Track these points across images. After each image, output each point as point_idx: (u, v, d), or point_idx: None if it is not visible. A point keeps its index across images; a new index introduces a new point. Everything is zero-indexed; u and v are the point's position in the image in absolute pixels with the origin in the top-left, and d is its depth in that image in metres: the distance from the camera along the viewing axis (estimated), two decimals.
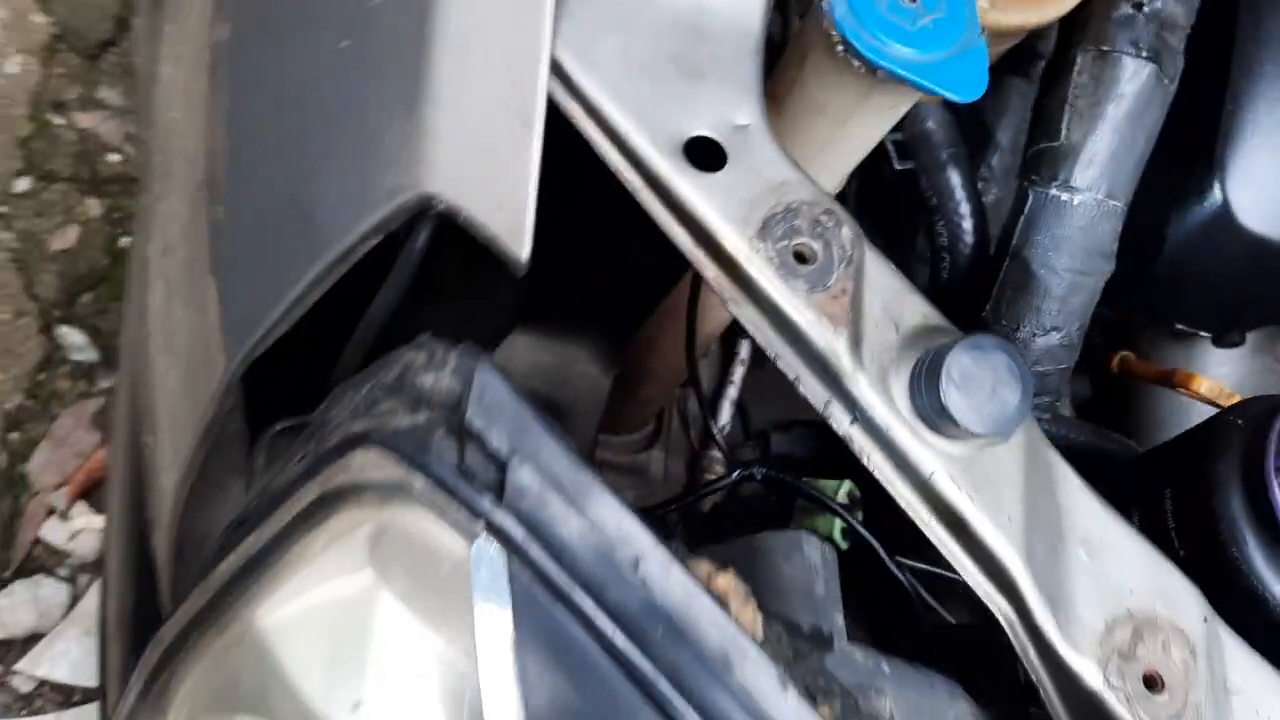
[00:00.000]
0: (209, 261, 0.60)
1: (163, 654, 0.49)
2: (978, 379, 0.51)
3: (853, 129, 0.63)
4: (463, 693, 0.44)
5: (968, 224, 0.75)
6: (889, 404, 0.52)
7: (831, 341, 0.52)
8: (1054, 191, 0.68)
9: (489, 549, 0.44)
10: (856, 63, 0.57)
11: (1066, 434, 0.83)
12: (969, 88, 0.58)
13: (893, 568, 0.77)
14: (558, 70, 0.54)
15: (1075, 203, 0.68)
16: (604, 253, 0.74)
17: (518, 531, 0.44)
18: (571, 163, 0.56)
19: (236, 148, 0.59)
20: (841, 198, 0.91)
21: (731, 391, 1.04)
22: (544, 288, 0.76)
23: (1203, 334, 0.93)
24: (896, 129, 0.77)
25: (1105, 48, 0.68)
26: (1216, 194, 0.79)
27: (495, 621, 0.44)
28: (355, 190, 0.51)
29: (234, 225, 0.59)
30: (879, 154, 0.78)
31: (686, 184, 0.53)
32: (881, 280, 0.54)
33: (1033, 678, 0.53)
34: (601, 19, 0.55)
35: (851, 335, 0.52)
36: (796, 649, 0.51)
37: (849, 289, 0.53)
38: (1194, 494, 0.71)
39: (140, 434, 0.74)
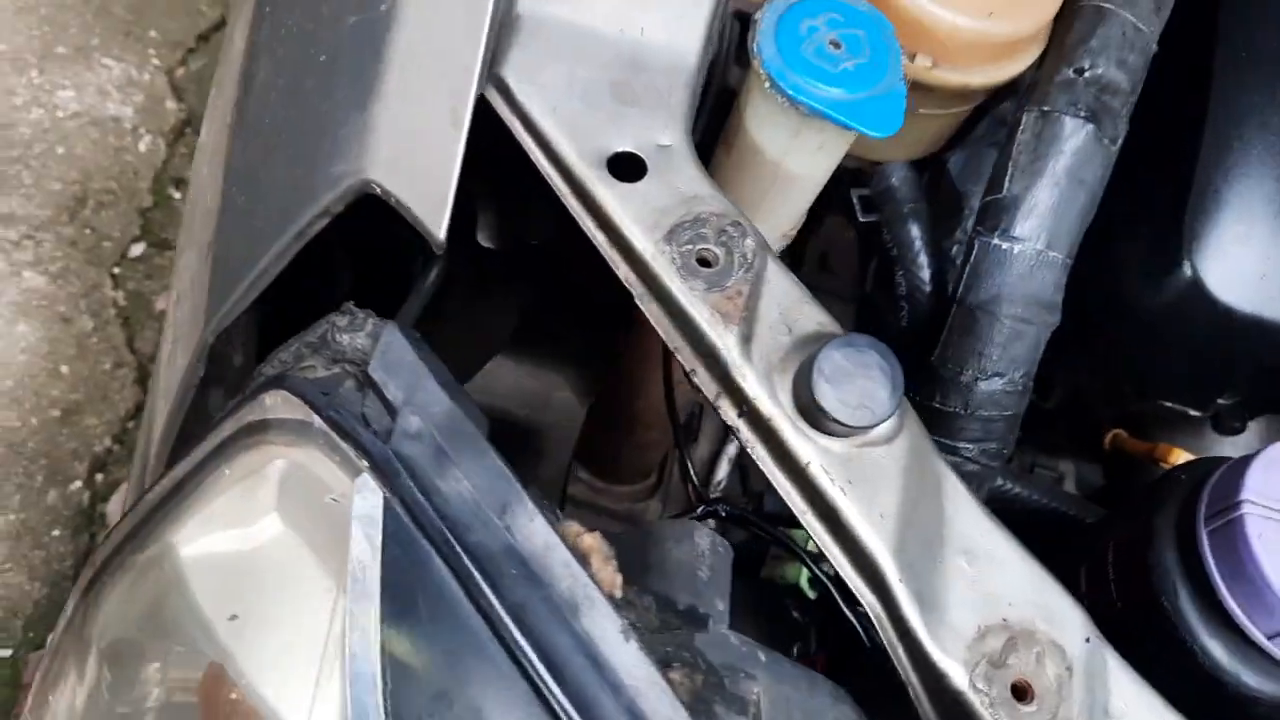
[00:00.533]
0: (205, 304, 0.67)
1: (93, 576, 0.55)
2: (849, 374, 0.54)
3: (791, 168, 0.68)
4: (331, 612, 0.49)
5: (925, 274, 0.78)
6: (773, 398, 0.56)
7: (722, 335, 0.56)
8: (996, 240, 0.71)
9: (369, 484, 0.49)
10: (781, 99, 0.62)
11: (1024, 491, 0.84)
12: (884, 125, 0.62)
13: (847, 612, 0.79)
14: (503, 89, 0.60)
15: (1015, 251, 0.71)
16: (572, 290, 0.80)
17: (398, 472, 0.49)
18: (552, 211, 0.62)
19: (232, 171, 0.68)
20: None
21: (730, 450, 1.07)
22: (528, 319, 0.83)
23: (1193, 412, 0.92)
24: (862, 184, 0.82)
25: (1046, 108, 0.71)
26: (1185, 265, 0.81)
27: (366, 551, 0.48)
28: (311, 179, 0.58)
29: (222, 240, 0.67)
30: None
31: (606, 191, 0.59)
32: (781, 288, 0.58)
33: (901, 676, 0.55)
34: (549, 49, 0.62)
35: (742, 333, 0.56)
36: (665, 620, 0.54)
37: (745, 291, 0.57)
38: (1133, 546, 0.72)
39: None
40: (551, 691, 0.46)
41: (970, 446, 0.75)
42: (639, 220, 0.58)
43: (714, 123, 0.74)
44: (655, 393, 0.92)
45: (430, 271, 0.83)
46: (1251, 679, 0.65)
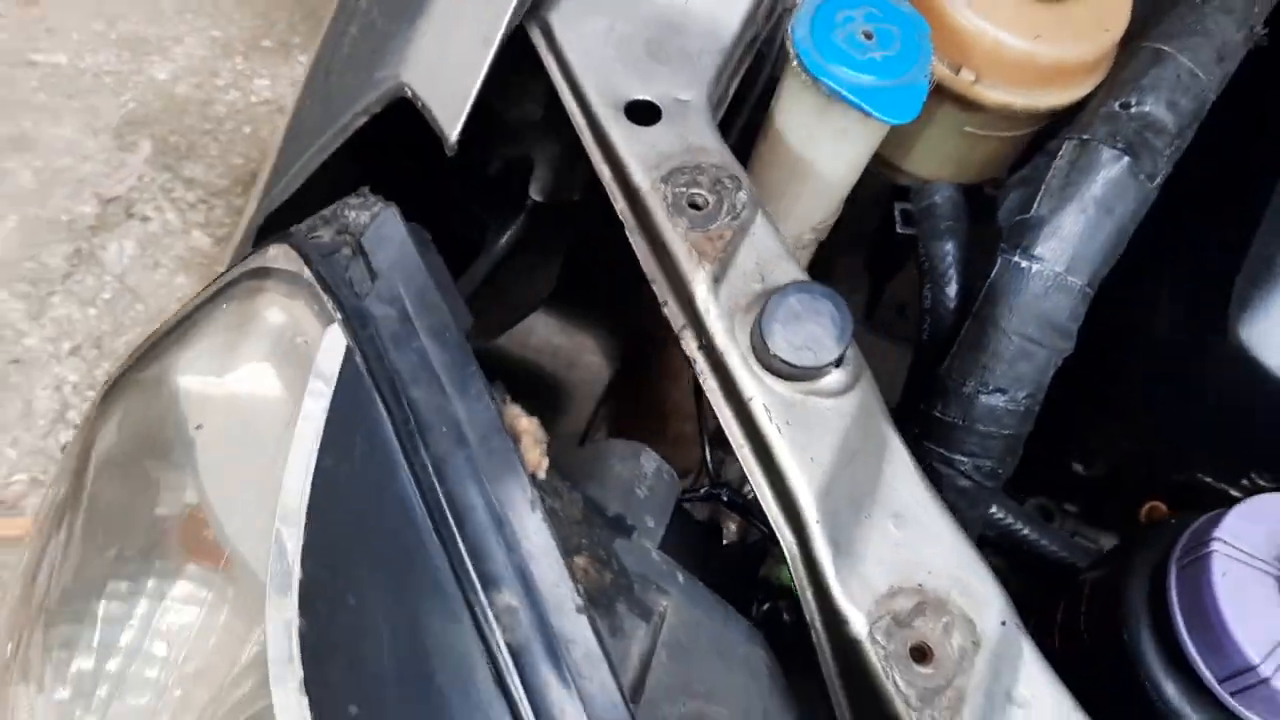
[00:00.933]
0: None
1: (103, 393, 0.62)
2: (800, 317, 0.56)
3: (817, 151, 0.71)
4: (281, 435, 0.54)
5: (951, 290, 0.79)
6: (730, 335, 0.59)
7: (694, 271, 0.59)
8: (1016, 258, 0.72)
9: (336, 333, 0.54)
10: (805, 77, 0.66)
11: (1020, 526, 0.83)
12: (898, 113, 0.65)
13: None
14: (546, 31, 0.66)
15: (1033, 270, 0.72)
16: (606, 262, 0.85)
17: (365, 326, 0.54)
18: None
19: (303, 96, 0.76)
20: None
21: None
22: (566, 279, 0.88)
23: (1234, 492, 0.89)
24: (905, 199, 0.84)
25: (1086, 137, 0.72)
26: (1230, 330, 0.79)
27: (320, 390, 0.54)
28: (361, 85, 0.65)
29: (282, 152, 0.74)
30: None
31: (619, 131, 0.63)
32: (765, 243, 0.61)
33: (806, 617, 0.56)
34: (595, 2, 0.67)
35: (715, 272, 0.60)
36: (588, 517, 0.57)
37: (727, 237, 0.61)
38: (1108, 581, 0.70)
39: None
40: (451, 534, 0.50)
41: (964, 460, 0.75)
42: (642, 159, 0.63)
43: (758, 117, 0.78)
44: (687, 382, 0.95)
45: (504, 232, 0.89)
46: None
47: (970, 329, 0.75)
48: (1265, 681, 0.59)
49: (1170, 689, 0.64)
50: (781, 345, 0.56)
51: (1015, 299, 0.72)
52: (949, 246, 0.80)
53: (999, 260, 0.74)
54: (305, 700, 0.49)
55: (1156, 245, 0.87)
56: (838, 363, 0.58)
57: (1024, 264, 0.72)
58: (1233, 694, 0.61)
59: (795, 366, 0.56)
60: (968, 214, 0.82)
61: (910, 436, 0.77)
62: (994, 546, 0.87)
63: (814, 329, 0.56)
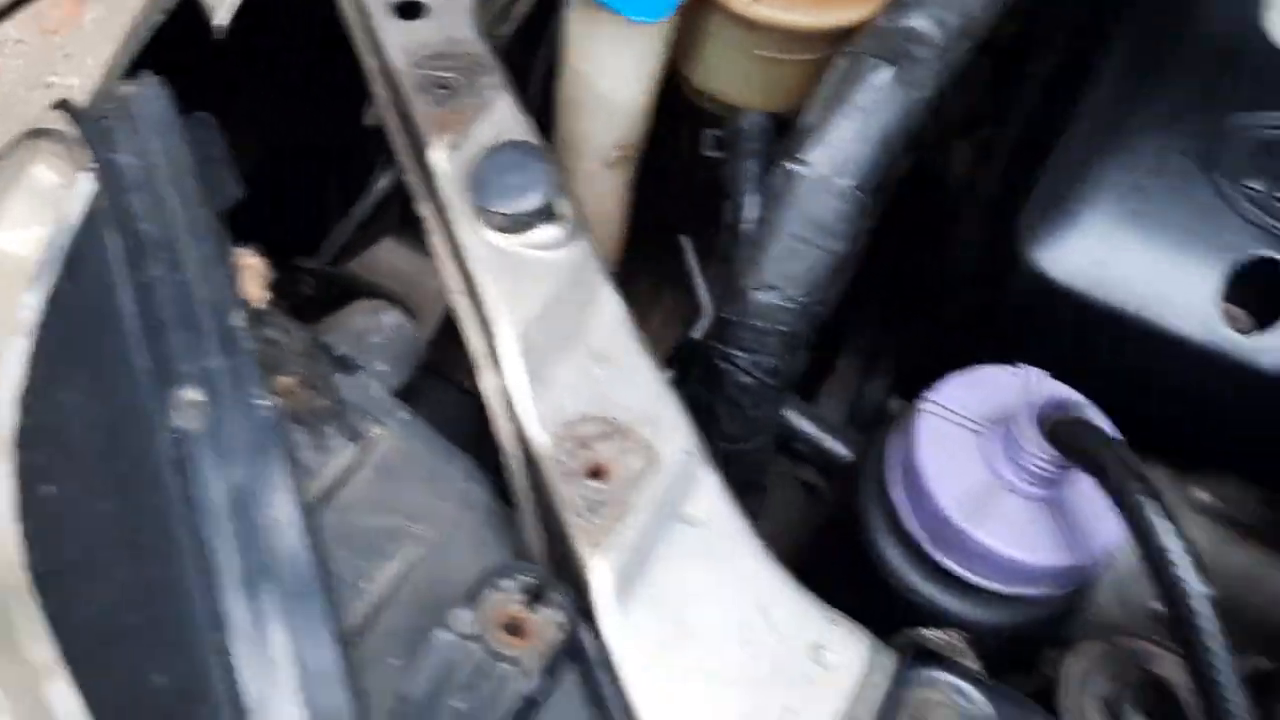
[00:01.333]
0: None
1: None
2: (508, 171, 0.62)
3: (595, 63, 0.77)
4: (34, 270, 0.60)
5: (748, 204, 0.84)
6: (460, 195, 0.64)
7: (433, 140, 0.65)
8: (786, 164, 0.77)
9: (88, 178, 0.61)
10: None
11: (806, 426, 0.85)
12: (645, 12, 0.71)
13: None
14: None
15: (800, 173, 0.76)
16: None
17: (114, 175, 0.61)
18: None
19: None
20: None
21: None
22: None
23: None
24: (718, 126, 0.89)
25: (854, 50, 0.77)
26: (1024, 254, 0.81)
27: (65, 225, 0.60)
28: None
29: None
30: None
31: (386, 25, 0.70)
32: (506, 120, 0.67)
33: (498, 441, 0.60)
34: None
35: (452, 142, 0.65)
36: (312, 353, 0.62)
37: (468, 114, 0.66)
38: (853, 463, 0.74)
39: None
40: (153, 340, 0.56)
41: (742, 355, 0.79)
42: (403, 50, 0.69)
43: None
44: None
45: (383, 176, 0.97)
46: (916, 579, 0.66)
47: (750, 233, 0.79)
48: (959, 531, 0.62)
49: (891, 553, 0.67)
50: (490, 195, 0.61)
51: (785, 201, 0.77)
52: (750, 168, 0.85)
53: (775, 169, 0.79)
54: (14, 484, 0.55)
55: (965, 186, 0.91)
56: (547, 216, 0.63)
57: (793, 168, 0.77)
58: (937, 547, 0.64)
59: (505, 215, 0.61)
60: (774, 139, 0.87)
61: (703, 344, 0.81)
62: (803, 459, 0.90)
63: (520, 180, 0.61)
